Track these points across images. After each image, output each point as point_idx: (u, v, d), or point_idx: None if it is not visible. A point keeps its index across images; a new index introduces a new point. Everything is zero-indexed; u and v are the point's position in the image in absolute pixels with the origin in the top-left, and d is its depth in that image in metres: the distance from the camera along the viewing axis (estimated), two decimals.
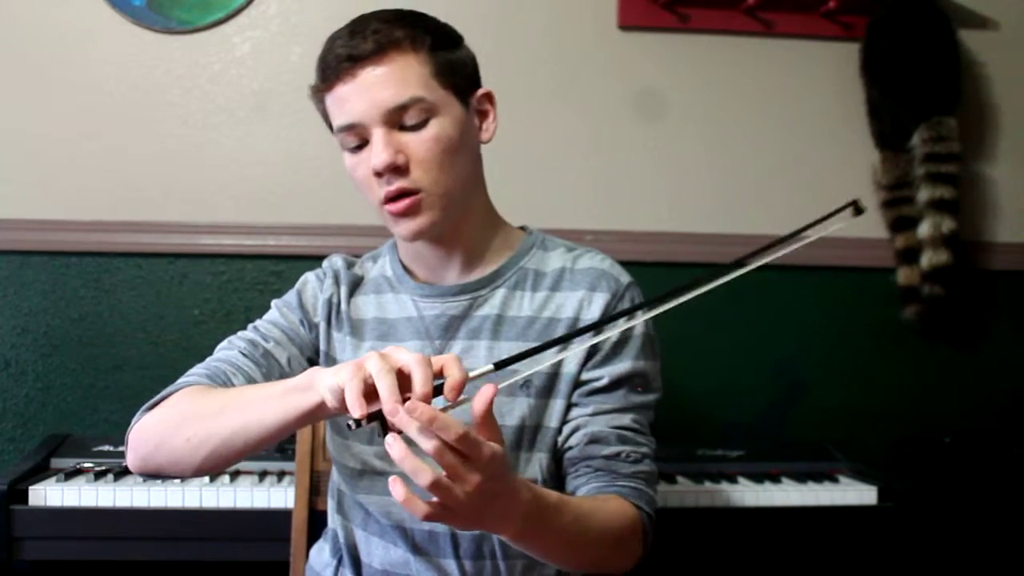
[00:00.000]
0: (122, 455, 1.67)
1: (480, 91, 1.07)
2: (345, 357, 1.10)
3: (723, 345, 1.98)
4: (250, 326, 1.12)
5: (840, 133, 2.00)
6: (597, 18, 1.91)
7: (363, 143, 1.01)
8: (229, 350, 1.07)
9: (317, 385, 0.83)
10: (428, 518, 0.76)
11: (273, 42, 1.90)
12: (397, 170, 0.99)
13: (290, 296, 1.15)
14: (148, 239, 1.87)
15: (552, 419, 1.05)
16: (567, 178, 1.96)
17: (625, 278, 1.09)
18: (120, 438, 1.74)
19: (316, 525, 1.35)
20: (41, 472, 1.62)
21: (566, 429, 1.05)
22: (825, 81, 2.00)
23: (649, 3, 1.92)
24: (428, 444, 0.73)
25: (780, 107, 2.00)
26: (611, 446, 1.02)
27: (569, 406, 1.05)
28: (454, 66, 1.03)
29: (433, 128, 1.00)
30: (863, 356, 2.02)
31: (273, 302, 1.16)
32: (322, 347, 1.12)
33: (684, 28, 1.96)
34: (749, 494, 1.64)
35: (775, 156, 2.00)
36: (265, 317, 1.13)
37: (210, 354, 1.01)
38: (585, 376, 1.05)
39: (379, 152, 0.98)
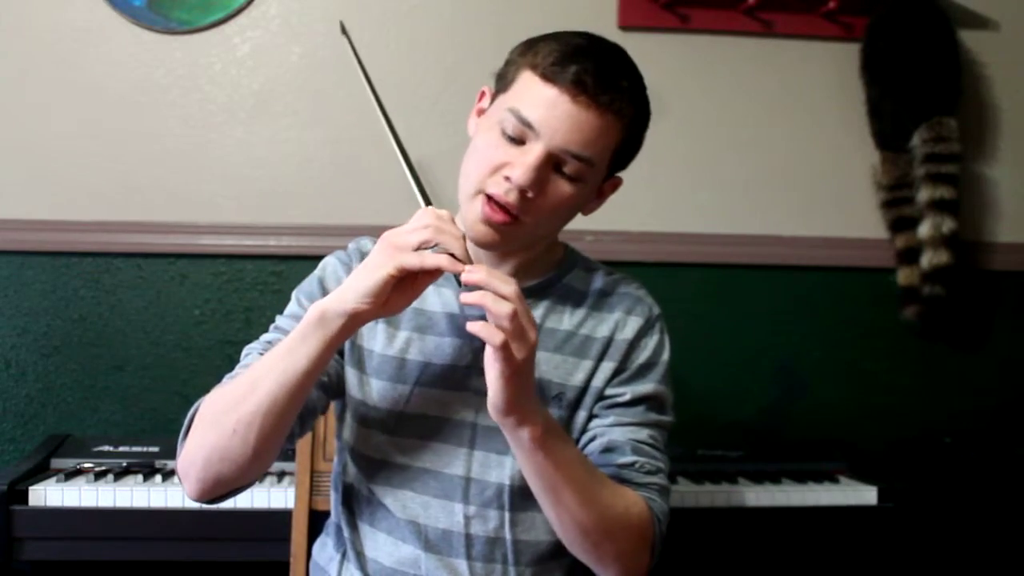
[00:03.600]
0: (122, 455, 1.70)
1: (619, 175, 1.10)
2: (376, 345, 1.08)
3: (723, 345, 1.98)
4: (271, 325, 1.10)
5: (840, 133, 2.00)
6: (597, 18, 1.91)
7: (518, 139, 0.99)
8: (248, 353, 1.06)
9: (336, 308, 0.90)
10: (502, 347, 0.87)
11: (273, 42, 1.90)
12: (523, 194, 0.98)
13: (311, 284, 1.11)
14: (148, 239, 1.87)
15: (576, 431, 1.08)
16: None
17: (656, 309, 1.14)
18: (120, 438, 1.77)
19: (316, 525, 1.35)
20: (41, 472, 1.62)
21: (584, 438, 1.08)
22: (825, 81, 2.00)
23: (649, 3, 1.92)
24: (509, 288, 0.87)
25: (780, 107, 2.00)
26: (626, 456, 1.04)
27: (590, 416, 1.08)
28: (631, 149, 1.07)
29: (574, 188, 1.01)
30: (863, 356, 2.02)
31: (294, 292, 1.12)
32: None
33: (684, 28, 1.96)
34: (749, 494, 1.64)
35: (775, 156, 2.00)
36: (286, 311, 1.11)
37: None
38: (609, 391, 1.08)
39: (528, 171, 0.97)
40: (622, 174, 1.11)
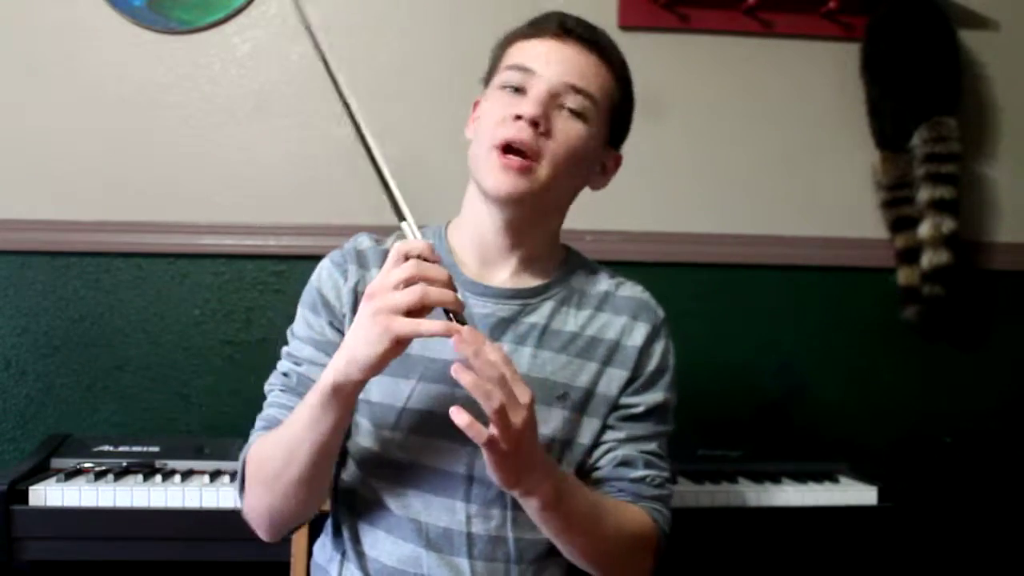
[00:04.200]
0: (122, 455, 1.70)
1: (618, 151, 1.13)
2: None
3: (723, 345, 1.98)
4: (283, 350, 1.10)
5: (840, 133, 2.00)
6: (597, 18, 1.88)
7: (519, 91, 1.03)
8: (271, 390, 1.09)
9: (345, 382, 0.91)
10: (489, 444, 0.84)
11: (273, 42, 1.90)
12: (536, 126, 1.01)
13: (310, 294, 1.11)
14: (148, 239, 1.86)
15: (584, 436, 1.09)
16: None
17: (661, 312, 1.15)
18: (120, 438, 1.77)
19: (316, 525, 1.34)
20: (41, 472, 1.62)
21: (598, 451, 1.09)
22: (825, 81, 2.00)
23: (649, 3, 1.92)
24: (495, 354, 0.84)
25: (780, 107, 2.00)
26: (638, 470, 1.07)
27: (603, 427, 1.09)
28: (627, 113, 1.12)
29: (580, 127, 1.04)
30: (863, 356, 2.02)
31: (299, 306, 1.12)
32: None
33: (684, 28, 1.96)
34: (749, 494, 1.64)
35: (775, 156, 2.00)
36: (295, 330, 1.11)
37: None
38: (623, 401, 1.10)
39: (535, 103, 1.01)
40: (622, 158, 1.14)
